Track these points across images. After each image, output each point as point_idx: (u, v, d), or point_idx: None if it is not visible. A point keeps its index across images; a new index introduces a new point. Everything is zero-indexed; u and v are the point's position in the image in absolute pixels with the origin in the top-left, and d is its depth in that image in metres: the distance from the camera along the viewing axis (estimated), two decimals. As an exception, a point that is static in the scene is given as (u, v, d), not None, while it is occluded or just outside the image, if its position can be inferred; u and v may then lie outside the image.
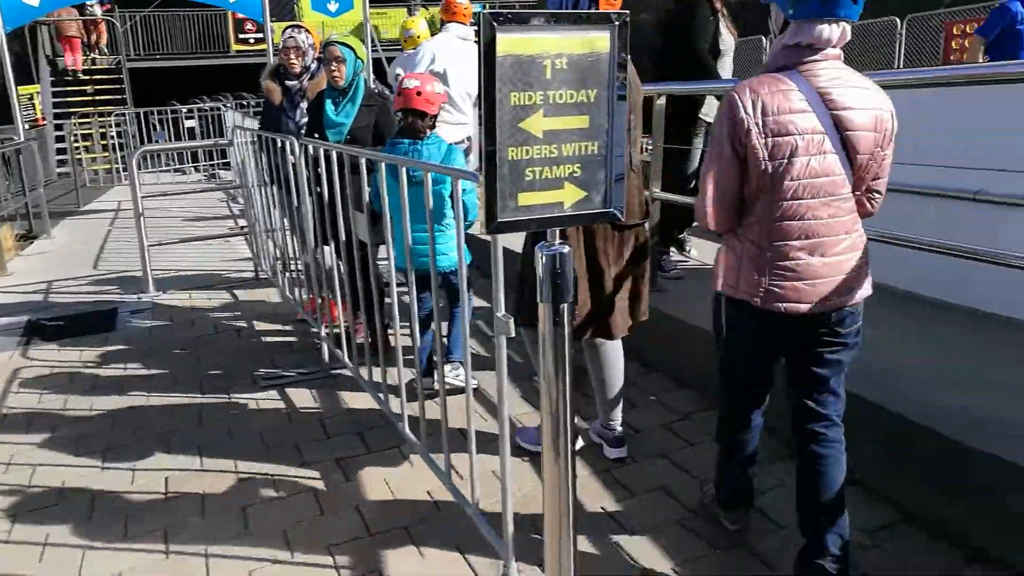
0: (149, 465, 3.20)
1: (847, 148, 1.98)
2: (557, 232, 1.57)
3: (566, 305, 1.56)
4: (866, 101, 1.99)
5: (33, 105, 15.38)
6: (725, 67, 4.31)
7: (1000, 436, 2.30)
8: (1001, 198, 3.27)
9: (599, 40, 1.44)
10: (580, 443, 3.08)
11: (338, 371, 4.03)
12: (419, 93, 3.44)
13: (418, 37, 5.81)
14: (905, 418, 2.50)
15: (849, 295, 2.04)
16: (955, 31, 10.75)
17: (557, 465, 1.72)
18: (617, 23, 1.45)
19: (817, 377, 2.15)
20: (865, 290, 2.09)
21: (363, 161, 2.97)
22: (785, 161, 1.94)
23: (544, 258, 1.55)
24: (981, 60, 5.97)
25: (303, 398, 3.80)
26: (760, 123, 1.93)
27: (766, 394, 2.32)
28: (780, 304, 2.01)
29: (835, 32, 1.94)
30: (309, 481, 3.00)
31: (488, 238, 1.74)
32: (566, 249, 1.57)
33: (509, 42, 1.38)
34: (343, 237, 3.46)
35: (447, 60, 5.12)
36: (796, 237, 1.99)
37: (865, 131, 1.97)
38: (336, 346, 3.93)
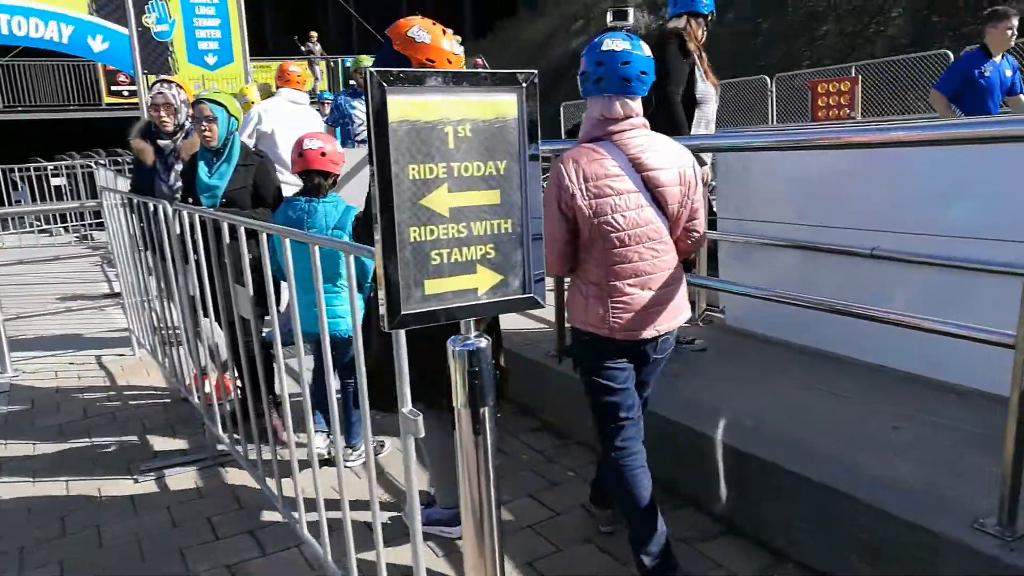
0: (-1, 588, 2.74)
1: (658, 202, 2.34)
2: (472, 323, 1.36)
3: (487, 409, 1.35)
4: (671, 161, 2.36)
5: None
6: (705, 118, 4.01)
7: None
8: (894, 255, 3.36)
9: (504, 104, 1.27)
10: None
11: (226, 455, 3.65)
12: (323, 154, 3.42)
13: (251, 103, 6.02)
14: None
15: (674, 321, 2.44)
16: (820, 89, 11.46)
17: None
18: (525, 84, 1.29)
19: (643, 398, 2.57)
20: (685, 315, 2.49)
21: (242, 229, 2.69)
22: (608, 216, 2.28)
23: (458, 355, 1.34)
24: (951, 114, 5.85)
25: (187, 491, 3.40)
26: (583, 188, 2.26)
27: (638, 421, 2.49)
28: (621, 332, 2.36)
29: (622, 107, 2.32)
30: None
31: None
32: (483, 343, 1.36)
33: (403, 106, 1.19)
34: (223, 310, 3.15)
35: (275, 121, 5.54)
36: (628, 276, 2.34)
37: (672, 186, 2.35)
38: (222, 427, 3.57)
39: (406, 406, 1.65)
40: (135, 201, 4.28)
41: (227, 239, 2.85)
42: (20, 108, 17.73)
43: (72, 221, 12.27)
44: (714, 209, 4.66)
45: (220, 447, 3.68)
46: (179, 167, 4.25)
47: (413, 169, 1.21)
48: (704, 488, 2.94)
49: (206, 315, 3.56)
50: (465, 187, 1.27)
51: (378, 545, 2.13)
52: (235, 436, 3.38)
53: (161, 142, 4.32)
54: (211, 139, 3.82)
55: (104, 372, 5.21)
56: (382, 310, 1.23)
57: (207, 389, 3.71)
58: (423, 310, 1.25)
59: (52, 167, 12.62)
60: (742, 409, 3.11)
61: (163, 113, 4.23)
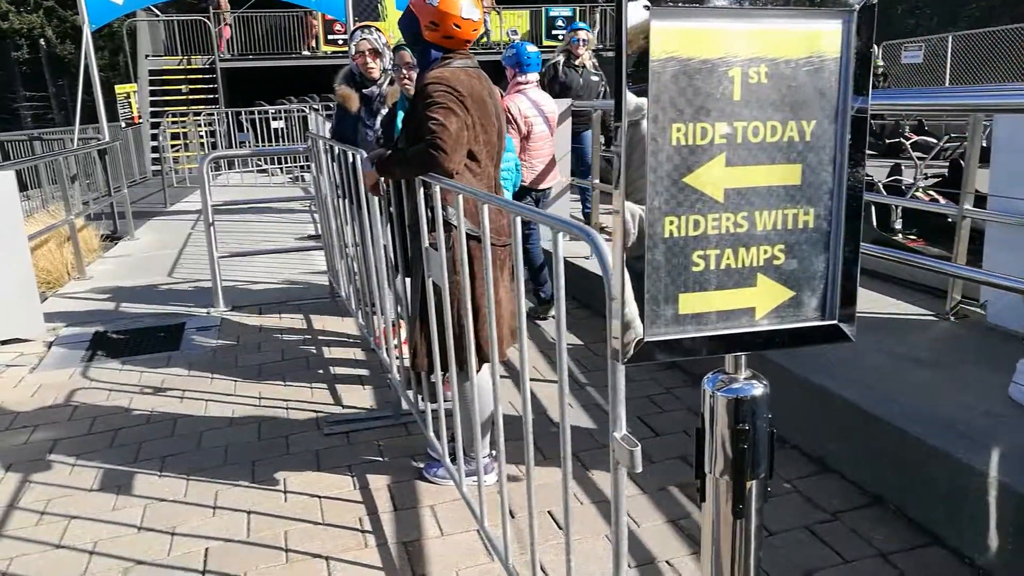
0: (189, 530, 2.77)
1: (548, 123, 4.44)
2: (742, 359, 0.98)
3: (756, 483, 0.97)
4: (549, 105, 4.52)
5: (130, 104, 15.68)
6: None
7: None
8: None
9: (823, 36, 0.85)
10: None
11: (410, 415, 3.54)
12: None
13: None
14: None
15: None
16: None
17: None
18: (857, 5, 0.86)
19: None
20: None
21: (437, 188, 2.45)
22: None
23: (718, 403, 0.96)
24: None
25: (370, 449, 3.32)
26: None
27: None
28: None
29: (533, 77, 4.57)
30: (371, 571, 2.50)
31: (590, 263, 1.17)
32: (759, 389, 0.97)
33: (671, 36, 0.81)
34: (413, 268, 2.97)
35: None
36: None
37: (552, 115, 4.41)
38: (407, 386, 3.44)
39: (619, 431, 1.30)
40: (335, 148, 4.23)
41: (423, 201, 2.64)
42: (251, 56, 19.10)
43: (286, 163, 13.04)
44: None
45: (404, 406, 3.58)
46: (384, 113, 4.13)
47: (678, 130, 0.84)
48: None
49: (398, 271, 3.43)
50: (751, 159, 0.88)
51: (568, 541, 1.84)
52: (419, 399, 3.24)
53: (366, 89, 4.22)
54: (412, 88, 3.63)
55: (302, 315, 5.34)
56: (615, 333, 0.88)
57: (395, 344, 3.60)
58: (674, 337, 0.88)
59: (273, 111, 13.44)
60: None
61: (368, 59, 4.12)
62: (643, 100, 0.80)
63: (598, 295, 4.90)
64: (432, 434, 3.01)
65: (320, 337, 4.86)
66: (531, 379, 2.62)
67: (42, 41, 40.87)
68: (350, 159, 3.80)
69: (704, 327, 0.90)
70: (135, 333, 5.04)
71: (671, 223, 0.87)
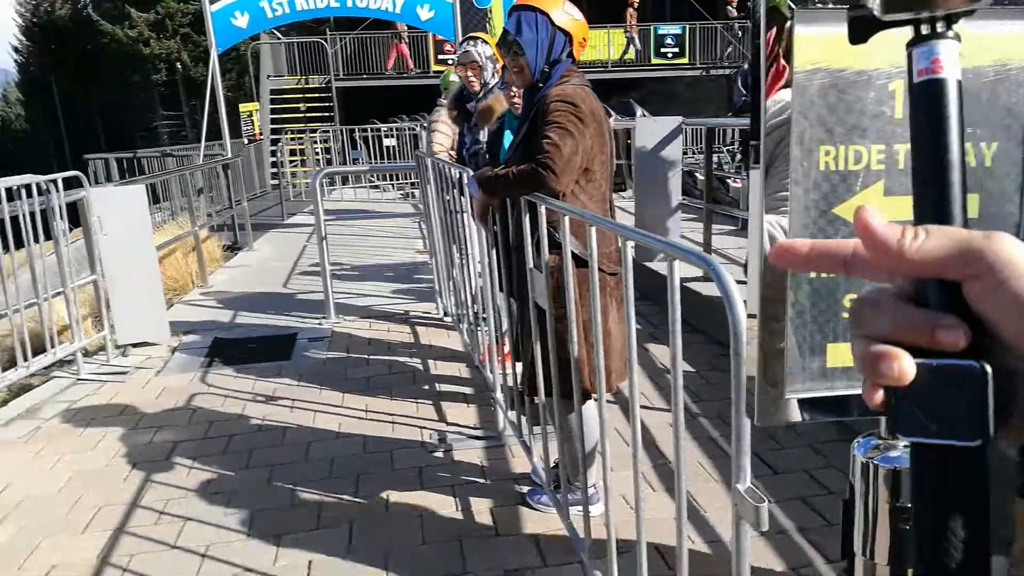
0: (294, 541, 2.81)
1: None
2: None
3: None
4: None
5: (252, 121, 16.53)
6: None
7: None
8: None
9: (1013, 40, 0.73)
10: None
11: (513, 437, 3.50)
12: None
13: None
14: None
15: None
16: None
17: None
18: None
19: None
20: None
21: (543, 208, 2.40)
22: None
23: (875, 474, 0.84)
24: None
25: (473, 470, 3.29)
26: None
27: None
28: None
29: None
30: (469, 596, 2.46)
31: (704, 286, 1.07)
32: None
33: (816, 44, 0.72)
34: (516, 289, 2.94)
35: None
36: None
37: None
38: (509, 407, 3.41)
39: (743, 484, 1.21)
40: (438, 165, 4.27)
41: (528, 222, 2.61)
42: (364, 76, 19.81)
43: (398, 179, 13.39)
44: None
45: (508, 428, 3.54)
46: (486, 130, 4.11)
47: (826, 153, 0.75)
48: None
49: (502, 289, 3.41)
50: (915, 187, 0.78)
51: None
52: (522, 420, 3.19)
53: (469, 104, 4.20)
54: (519, 104, 3.59)
55: (410, 329, 5.41)
56: (757, 389, 0.79)
57: (498, 364, 3.57)
58: (821, 395, 0.78)
59: (386, 129, 13.85)
60: None
61: (469, 72, 4.08)
62: (783, 117, 0.72)
63: (712, 320, 4.72)
64: (537, 460, 2.96)
65: (426, 352, 4.90)
66: (641, 406, 2.52)
67: (178, 64, 43.85)
68: (455, 175, 3.83)
69: (857, 383, 0.80)
70: (251, 341, 5.24)
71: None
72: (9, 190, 4.17)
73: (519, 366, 3.05)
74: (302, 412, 4.01)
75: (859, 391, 0.77)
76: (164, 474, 3.39)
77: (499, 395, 3.56)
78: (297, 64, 19.43)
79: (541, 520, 2.87)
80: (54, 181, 4.47)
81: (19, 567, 2.72)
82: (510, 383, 3.36)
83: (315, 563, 2.67)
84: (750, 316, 0.79)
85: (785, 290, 0.75)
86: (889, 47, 0.74)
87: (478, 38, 4.13)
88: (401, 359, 4.79)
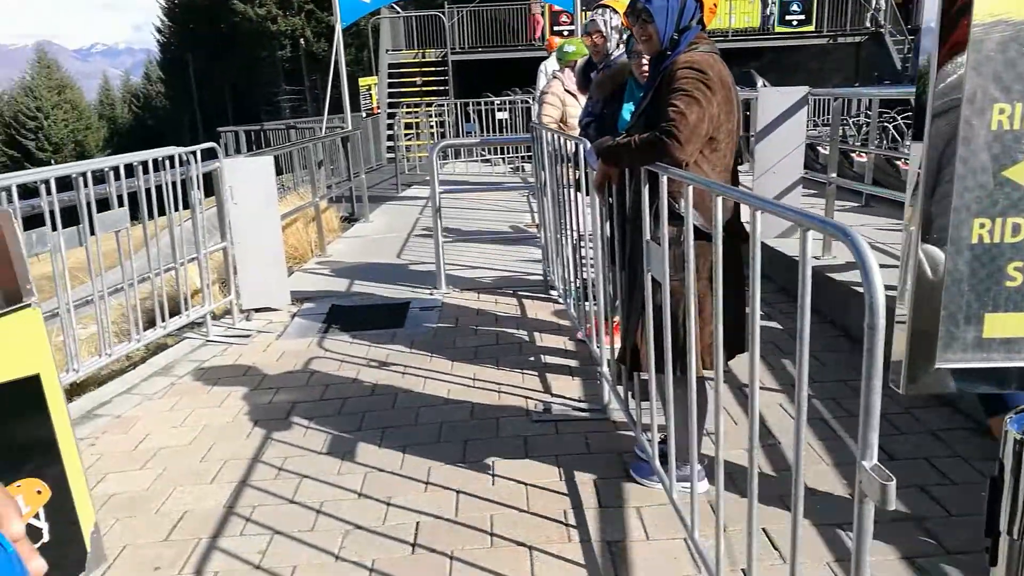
0: (403, 502, 2.90)
1: None
2: None
3: None
4: None
5: (371, 95, 16.96)
6: None
7: None
8: None
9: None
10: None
11: (618, 410, 3.47)
12: None
13: None
14: None
15: None
16: None
17: None
18: None
19: None
20: None
21: (664, 178, 2.33)
22: None
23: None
24: None
25: (577, 442, 3.29)
26: None
27: None
28: None
29: None
30: (574, 568, 2.47)
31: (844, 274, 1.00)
32: None
33: None
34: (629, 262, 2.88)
35: None
36: None
37: None
38: (616, 380, 3.37)
39: (870, 461, 1.13)
40: (555, 136, 4.23)
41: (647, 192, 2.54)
42: (480, 49, 19.91)
43: (509, 153, 13.44)
44: None
45: (612, 401, 3.51)
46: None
47: (1001, 112, 0.68)
48: None
49: (613, 263, 3.36)
50: (1099, 148, 0.70)
51: (794, 560, 1.67)
52: (628, 394, 3.15)
53: (593, 74, 4.13)
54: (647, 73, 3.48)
55: (516, 301, 5.44)
56: (897, 356, 0.74)
57: (606, 338, 3.53)
58: (976, 366, 0.72)
59: (498, 102, 13.90)
60: None
61: (594, 40, 4.01)
62: (959, 74, 0.65)
63: (827, 298, 4.50)
64: (643, 434, 2.92)
65: (532, 324, 4.92)
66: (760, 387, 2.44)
67: (302, 40, 45.53)
68: (570, 147, 3.78)
69: (1017, 355, 0.73)
70: (365, 309, 5.41)
71: (982, 226, 0.71)
72: (155, 161, 4.44)
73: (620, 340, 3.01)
74: (413, 378, 4.11)
75: (1019, 363, 0.71)
76: (283, 432, 3.56)
77: (605, 368, 3.53)
78: (415, 38, 19.76)
79: (645, 494, 2.84)
80: (193, 153, 4.74)
81: (156, 510, 2.94)
82: (618, 357, 3.32)
83: (422, 525, 2.74)
84: (888, 288, 0.73)
85: (944, 259, 0.69)
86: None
87: (607, 7, 4.03)
88: (508, 330, 4.82)
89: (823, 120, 10.90)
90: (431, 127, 14.30)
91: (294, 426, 3.63)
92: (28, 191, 3.77)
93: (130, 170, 4.30)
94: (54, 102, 51.85)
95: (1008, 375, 0.75)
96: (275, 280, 5.32)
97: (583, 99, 4.88)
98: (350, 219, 9.16)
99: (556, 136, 4.32)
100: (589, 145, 3.15)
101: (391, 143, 15.82)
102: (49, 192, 3.69)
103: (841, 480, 2.85)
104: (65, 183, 3.86)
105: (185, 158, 4.72)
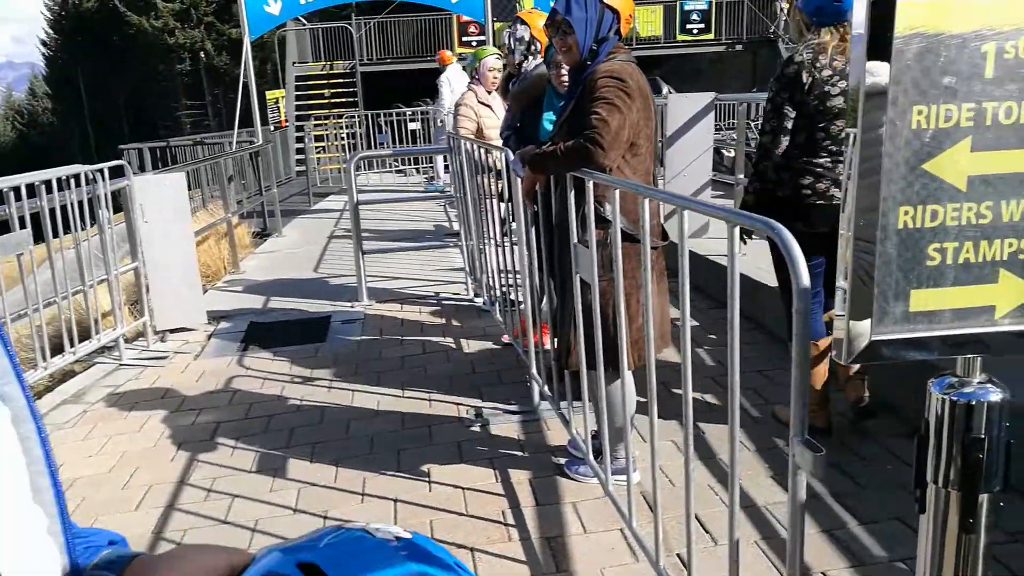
0: (340, 515, 2.87)
1: None
2: (978, 363, 0.89)
3: (987, 497, 0.88)
4: None
5: (278, 108, 16.63)
6: None
7: None
8: None
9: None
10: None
11: (549, 410, 3.54)
12: None
13: None
14: None
15: None
16: None
17: None
18: None
19: None
20: None
21: (591, 184, 2.41)
22: None
23: (947, 408, 0.88)
24: None
25: (510, 443, 3.33)
26: None
27: None
28: None
29: None
30: (515, 566, 2.51)
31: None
32: (996, 395, 0.88)
33: (917, 10, 0.74)
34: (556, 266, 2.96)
35: None
36: None
37: None
38: (545, 380, 3.44)
39: (801, 435, 1.23)
40: (476, 146, 4.28)
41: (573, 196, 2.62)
42: (388, 60, 19.80)
43: (422, 163, 13.43)
44: None
45: (542, 402, 3.58)
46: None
47: (919, 113, 0.77)
48: None
49: (540, 268, 3.43)
50: (1000, 143, 0.80)
51: (734, 545, 1.76)
52: (559, 394, 3.22)
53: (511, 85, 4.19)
54: (566, 82, 3.56)
55: (441, 310, 5.46)
56: (839, 333, 0.82)
57: (532, 339, 3.60)
58: (904, 336, 0.82)
59: (410, 113, 13.86)
60: None
61: (504, 53, 4.09)
62: (882, 81, 0.74)
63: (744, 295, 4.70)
64: (576, 432, 2.99)
65: (458, 332, 4.94)
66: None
67: (202, 54, 44.16)
68: (493, 156, 3.84)
69: (938, 325, 0.83)
70: (285, 325, 5.32)
71: (906, 213, 0.80)
72: (59, 180, 4.24)
73: (555, 341, 3.08)
74: (340, 392, 4.07)
75: (941, 332, 0.80)
76: (209, 454, 3.47)
77: (534, 370, 3.59)
78: (322, 50, 19.49)
79: (580, 490, 2.91)
80: (100, 171, 4.55)
81: (77, 542, 2.81)
82: (546, 360, 3.39)
83: (362, 536, 2.72)
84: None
85: (875, 242, 0.78)
86: (986, 11, 0.75)
87: (517, 20, 4.11)
88: (434, 339, 4.83)
89: (727, 124, 11.37)
90: (341, 139, 14.12)
91: (220, 447, 3.53)
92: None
93: (31, 190, 4.10)
94: (-71, 119, 48.51)
95: (929, 344, 0.85)
96: (189, 299, 5.16)
97: (499, 109, 4.96)
98: (262, 234, 8.96)
99: (476, 147, 4.37)
100: (512, 155, 3.21)
101: (300, 156, 15.54)
102: (-56, 214, 3.49)
103: (764, 464, 3.00)
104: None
105: (92, 176, 4.53)
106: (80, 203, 4.46)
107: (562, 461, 3.10)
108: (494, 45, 4.20)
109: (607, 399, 2.77)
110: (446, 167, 12.74)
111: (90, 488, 3.22)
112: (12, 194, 3.97)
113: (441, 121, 11.11)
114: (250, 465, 3.33)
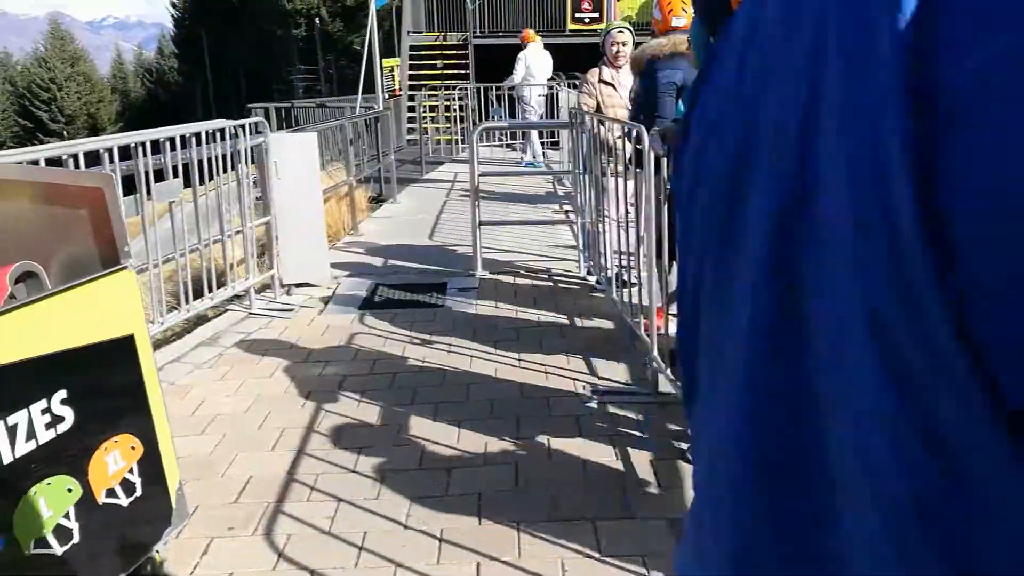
0: (463, 475, 2.97)
1: None
2: None
3: None
4: None
5: (393, 77, 16.96)
6: None
7: None
8: None
9: None
10: None
11: (670, 396, 3.53)
12: None
13: None
14: None
15: None
16: None
17: None
18: None
19: None
20: None
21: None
22: None
23: None
24: None
25: (629, 425, 3.35)
26: None
27: None
28: None
29: None
30: (637, 542, 2.53)
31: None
32: None
33: None
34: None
35: None
36: None
37: None
38: (669, 365, 3.43)
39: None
40: (598, 122, 4.27)
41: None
42: (500, 33, 19.82)
43: (518, 138, 13.43)
44: None
45: (662, 387, 3.57)
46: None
47: None
48: None
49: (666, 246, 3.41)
50: None
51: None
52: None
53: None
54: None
55: (553, 285, 5.50)
56: None
57: (654, 321, 3.59)
58: None
59: (522, 87, 13.84)
60: None
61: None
62: None
63: None
64: (701, 416, 2.97)
65: (571, 308, 4.97)
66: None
67: (317, 20, 45.45)
68: (632, 133, 3.82)
69: None
70: (404, 288, 5.47)
71: None
72: (196, 135, 4.48)
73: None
74: (459, 356, 4.18)
75: None
76: (336, 404, 3.63)
77: (656, 352, 3.58)
78: (435, 20, 19.71)
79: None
80: (242, 126, 4.78)
81: (222, 474, 3.01)
82: (668, 341, 3.38)
83: (485, 496, 2.80)
84: None
85: None
86: None
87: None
88: (548, 313, 4.88)
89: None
90: (453, 111, 14.28)
91: (346, 398, 3.69)
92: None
93: (183, 141, 4.35)
94: (67, 74, 51.86)
95: None
96: (315, 256, 5.37)
97: (626, 86, 4.94)
98: (378, 199, 9.21)
99: (598, 123, 4.36)
100: (647, 132, 3.18)
101: (411, 125, 15.82)
102: (112, 160, 3.75)
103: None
104: (123, 152, 3.92)
105: (233, 131, 4.76)
106: (223, 156, 4.70)
107: (684, 446, 3.10)
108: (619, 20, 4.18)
109: None
110: (542, 143, 12.79)
111: (229, 426, 3.43)
112: (168, 144, 4.22)
113: (519, 97, 11.87)
114: (375, 419, 3.47)
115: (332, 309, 5.05)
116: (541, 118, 11.98)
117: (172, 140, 4.24)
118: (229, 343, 4.49)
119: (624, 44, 5.08)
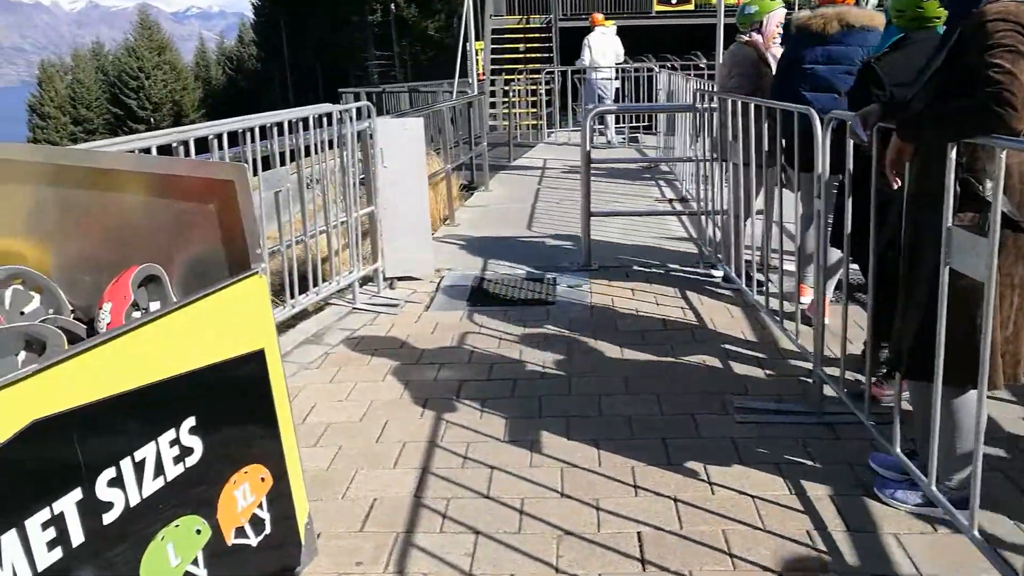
0: (614, 507, 2.59)
1: None
2: None
3: None
4: None
5: (476, 61, 16.63)
6: None
7: None
8: None
9: None
10: None
11: (835, 418, 3.08)
12: None
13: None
14: None
15: None
16: None
17: None
18: None
19: None
20: None
21: (983, 153, 1.92)
22: None
23: None
24: None
25: (795, 451, 2.91)
26: None
27: None
28: None
29: None
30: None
31: None
32: None
33: None
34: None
35: None
36: None
37: None
38: (841, 389, 2.99)
39: None
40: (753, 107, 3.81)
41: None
42: (584, 15, 19.25)
43: (619, 123, 12.92)
44: None
45: (827, 405, 3.13)
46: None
47: None
48: None
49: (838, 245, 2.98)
50: None
51: None
52: (868, 402, 2.77)
53: None
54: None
55: (672, 280, 5.06)
56: None
57: (822, 329, 3.14)
58: None
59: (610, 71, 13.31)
60: None
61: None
62: None
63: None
64: (899, 451, 2.53)
65: (699, 308, 4.53)
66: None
67: (392, 5, 45.52)
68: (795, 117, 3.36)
69: None
70: (511, 283, 5.13)
71: None
72: (304, 120, 4.22)
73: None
74: (581, 361, 3.81)
75: None
76: (457, 414, 3.32)
77: (822, 367, 3.14)
78: (517, 3, 19.29)
79: (899, 519, 2.46)
80: (348, 111, 4.50)
81: (343, 495, 2.72)
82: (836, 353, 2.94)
83: (645, 536, 2.43)
84: None
85: None
86: None
87: None
88: (673, 313, 4.46)
89: None
90: (539, 95, 13.84)
91: (466, 407, 3.37)
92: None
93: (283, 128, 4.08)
94: (155, 63, 53.53)
95: None
96: (419, 248, 5.08)
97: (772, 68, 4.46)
98: (469, 187, 8.90)
99: (753, 107, 3.89)
100: (850, 117, 2.71)
101: (492, 111, 15.46)
102: (221, 147, 3.50)
103: None
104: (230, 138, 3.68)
105: (339, 116, 4.49)
106: (329, 142, 4.43)
107: (871, 479, 2.65)
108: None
109: (953, 417, 2.31)
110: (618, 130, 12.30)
111: (345, 437, 3.15)
112: (275, 129, 3.96)
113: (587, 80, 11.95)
114: (502, 433, 3.13)
115: (438, 305, 4.75)
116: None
117: (280, 125, 3.98)
118: (335, 341, 4.23)
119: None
